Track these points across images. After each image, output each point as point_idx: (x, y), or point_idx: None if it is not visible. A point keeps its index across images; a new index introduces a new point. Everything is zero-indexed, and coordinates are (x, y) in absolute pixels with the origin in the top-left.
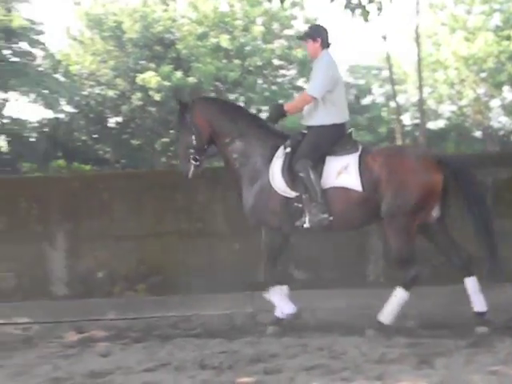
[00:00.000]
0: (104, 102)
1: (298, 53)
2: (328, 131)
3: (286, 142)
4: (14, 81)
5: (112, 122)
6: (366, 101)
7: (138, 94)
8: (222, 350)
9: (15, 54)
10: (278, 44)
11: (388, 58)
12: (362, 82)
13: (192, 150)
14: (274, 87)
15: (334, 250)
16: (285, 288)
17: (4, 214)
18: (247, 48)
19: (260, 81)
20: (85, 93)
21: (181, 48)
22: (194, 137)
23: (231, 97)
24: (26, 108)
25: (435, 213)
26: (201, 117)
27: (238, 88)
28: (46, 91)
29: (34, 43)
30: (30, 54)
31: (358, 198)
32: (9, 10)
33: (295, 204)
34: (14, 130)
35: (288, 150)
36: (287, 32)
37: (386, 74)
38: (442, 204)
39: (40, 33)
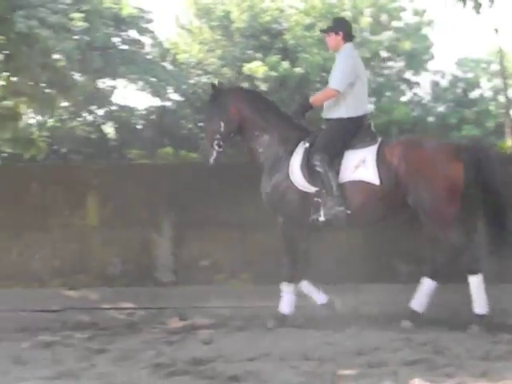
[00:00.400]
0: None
1: (406, 45)
2: (346, 124)
3: (307, 136)
4: (123, 68)
5: None
6: (473, 94)
7: (245, 84)
8: (325, 341)
9: (124, 41)
10: (385, 36)
11: (500, 52)
12: (470, 75)
13: (218, 136)
14: (380, 79)
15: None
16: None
17: (111, 200)
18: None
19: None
20: (192, 81)
21: (288, 38)
22: (222, 123)
23: None
24: (133, 95)
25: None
26: (235, 105)
27: None
28: (154, 79)
29: (143, 31)
30: (138, 42)
31: (375, 192)
32: None
33: (314, 199)
34: (122, 117)
35: (307, 145)
36: (395, 24)
37: (495, 67)
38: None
39: (149, 21)
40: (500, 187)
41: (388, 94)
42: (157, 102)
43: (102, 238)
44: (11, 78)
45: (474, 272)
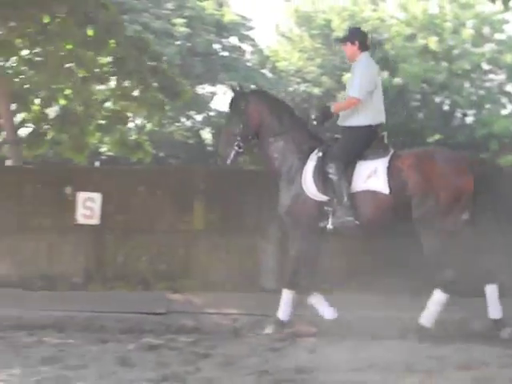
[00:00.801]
0: (309, 99)
1: (508, 57)
2: (362, 132)
3: (320, 145)
4: (223, 74)
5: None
6: None
7: (343, 93)
8: (431, 354)
9: (224, 48)
10: (487, 48)
11: None
12: None
13: (238, 138)
14: (481, 91)
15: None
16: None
17: (218, 205)
18: (455, 51)
19: (467, 84)
20: (290, 89)
21: (388, 48)
22: (242, 125)
23: (437, 99)
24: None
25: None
26: (254, 108)
27: (444, 91)
28: (254, 86)
29: (244, 38)
30: (239, 48)
31: (384, 201)
32: (220, 5)
33: (325, 208)
34: (220, 123)
35: (320, 154)
36: (498, 36)
37: None
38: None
39: (250, 28)
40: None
41: (488, 106)
42: None
43: (207, 242)
44: (120, 82)
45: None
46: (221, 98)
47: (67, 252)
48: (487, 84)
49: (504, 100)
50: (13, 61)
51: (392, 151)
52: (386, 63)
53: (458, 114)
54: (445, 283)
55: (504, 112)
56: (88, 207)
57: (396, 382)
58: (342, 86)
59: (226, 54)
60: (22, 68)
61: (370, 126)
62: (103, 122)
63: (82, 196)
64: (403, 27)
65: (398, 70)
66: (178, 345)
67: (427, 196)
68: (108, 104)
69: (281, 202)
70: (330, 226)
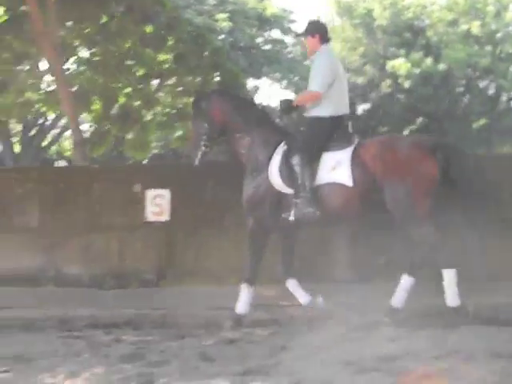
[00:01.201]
0: (353, 89)
1: None
2: (323, 123)
3: (286, 138)
4: (267, 68)
5: (360, 108)
6: None
7: (388, 81)
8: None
9: (267, 41)
10: None
11: None
12: None
13: (204, 137)
14: None
15: None
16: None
17: None
18: (498, 34)
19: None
20: None
21: (431, 35)
22: (206, 125)
23: (482, 84)
24: (277, 94)
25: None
26: (216, 108)
27: (489, 75)
28: (297, 78)
29: (286, 31)
30: (281, 41)
31: (348, 193)
32: None
33: (293, 200)
34: None
35: (286, 147)
36: None
37: None
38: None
39: (292, 21)
40: (471, 184)
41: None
42: None
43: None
44: (180, 79)
45: (449, 266)
46: (266, 91)
47: (138, 250)
48: None
49: None
50: (72, 61)
51: (356, 141)
52: (429, 49)
53: (504, 98)
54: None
55: None
56: (157, 204)
57: (483, 368)
58: (386, 74)
59: (268, 47)
60: (82, 68)
61: (331, 118)
62: (164, 118)
63: (150, 193)
64: (445, 13)
65: (442, 56)
66: (255, 338)
67: (394, 184)
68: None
69: (244, 193)
70: (291, 217)
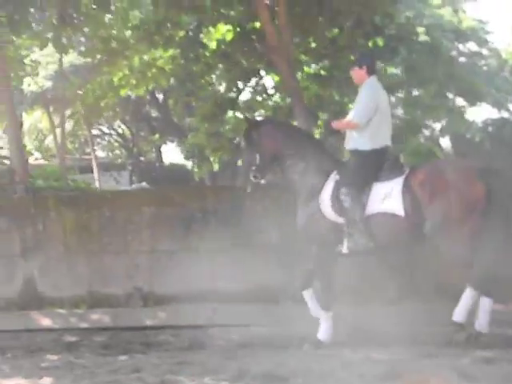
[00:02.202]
0: None
1: None
2: (367, 156)
3: (337, 168)
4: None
5: None
6: None
7: None
8: None
9: (460, 54)
10: None
11: None
12: None
13: (254, 168)
14: None
15: None
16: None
17: None
18: None
19: None
20: None
21: None
22: (258, 156)
23: None
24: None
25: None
26: (267, 138)
27: None
28: (493, 90)
29: (482, 43)
30: (478, 53)
31: (400, 223)
32: (456, 11)
33: (344, 229)
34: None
35: (337, 176)
36: None
37: None
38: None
39: (487, 32)
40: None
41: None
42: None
43: None
44: (409, 90)
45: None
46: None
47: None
48: None
49: None
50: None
51: (407, 171)
52: None
53: None
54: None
55: None
56: None
57: None
58: None
59: (463, 59)
60: (307, 83)
61: (372, 150)
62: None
63: None
64: None
65: None
66: None
67: (440, 210)
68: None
69: (298, 220)
70: (345, 250)
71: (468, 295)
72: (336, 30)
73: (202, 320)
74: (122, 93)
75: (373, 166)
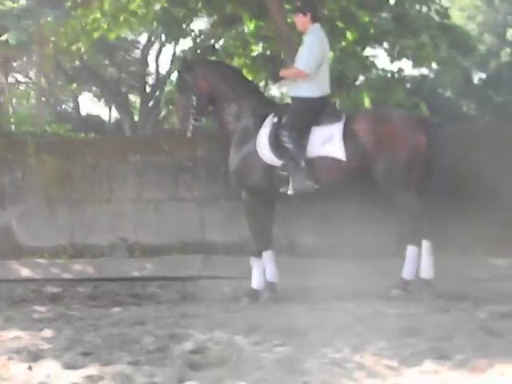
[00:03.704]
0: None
1: None
2: (311, 103)
3: (275, 111)
4: None
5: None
6: None
7: (508, 50)
8: None
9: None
10: None
11: None
12: None
13: (193, 110)
14: None
15: None
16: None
17: None
18: None
19: None
20: None
21: None
22: (194, 98)
23: None
24: None
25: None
26: (203, 78)
27: None
28: None
29: None
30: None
31: (342, 167)
32: None
33: (280, 172)
34: None
35: (275, 119)
36: None
37: None
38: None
39: None
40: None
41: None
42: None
43: None
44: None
45: (426, 237)
46: None
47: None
48: None
49: None
50: None
51: (345, 116)
52: None
53: None
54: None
55: None
56: None
57: None
58: (506, 43)
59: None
60: None
61: (316, 98)
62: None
63: None
64: None
65: None
66: None
67: (386, 156)
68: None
69: (230, 162)
70: (290, 191)
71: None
72: None
73: (191, 271)
74: (95, 37)
75: (315, 112)
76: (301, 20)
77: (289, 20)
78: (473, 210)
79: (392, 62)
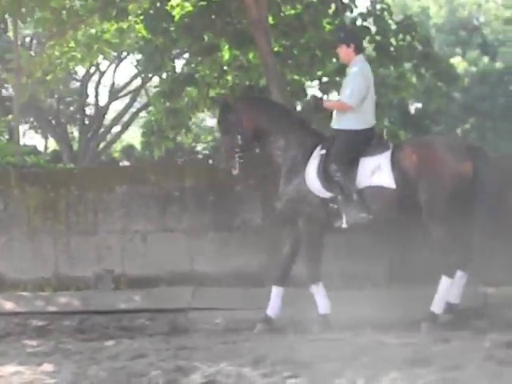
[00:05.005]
0: None
1: None
2: (357, 135)
3: (322, 142)
4: None
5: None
6: None
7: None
8: None
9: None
10: None
11: None
12: None
13: (237, 149)
14: None
15: None
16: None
17: None
18: None
19: None
20: None
21: (487, 33)
22: (239, 136)
23: None
24: None
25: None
26: (246, 116)
27: None
28: None
29: None
30: None
31: (392, 195)
32: None
33: (330, 205)
34: None
35: (323, 151)
36: None
37: None
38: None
39: None
40: (498, 189)
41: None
42: None
43: None
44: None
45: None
46: None
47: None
48: None
49: None
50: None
51: (392, 145)
52: (486, 48)
53: None
54: (450, 267)
55: None
56: None
57: None
58: None
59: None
60: None
61: (363, 130)
62: None
63: None
64: (501, 10)
65: (499, 54)
66: None
67: (430, 182)
68: None
69: (280, 195)
70: (345, 225)
71: (444, 285)
72: (299, 6)
73: (181, 303)
74: (70, 66)
75: (362, 144)
76: (344, 51)
77: (275, 49)
78: None
79: None
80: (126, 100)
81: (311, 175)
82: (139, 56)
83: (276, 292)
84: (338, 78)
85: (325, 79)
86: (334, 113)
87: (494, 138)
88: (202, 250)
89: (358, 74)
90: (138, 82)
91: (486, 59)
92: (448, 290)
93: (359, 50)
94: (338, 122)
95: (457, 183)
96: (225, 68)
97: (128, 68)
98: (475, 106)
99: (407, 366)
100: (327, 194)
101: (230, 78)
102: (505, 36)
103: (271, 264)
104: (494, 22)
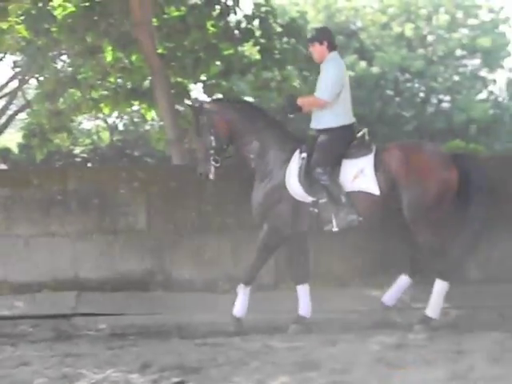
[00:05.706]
0: None
1: (485, 41)
2: (338, 133)
3: (302, 146)
4: None
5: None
6: None
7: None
8: None
9: None
10: (460, 34)
11: None
12: None
13: (212, 152)
14: (456, 77)
15: None
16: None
17: None
18: (430, 37)
19: (442, 70)
20: None
21: (364, 38)
22: (212, 138)
23: (414, 86)
24: None
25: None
26: (219, 118)
27: (421, 78)
28: None
29: None
30: None
31: (376, 201)
32: None
33: (310, 209)
34: None
35: (304, 155)
36: (471, 21)
37: None
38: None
39: None
40: (486, 196)
41: (464, 92)
42: None
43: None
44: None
45: (444, 278)
46: None
47: (252, 252)
48: (461, 69)
49: (479, 85)
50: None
51: (375, 147)
52: (363, 53)
53: (434, 101)
54: (444, 271)
55: (480, 97)
56: None
57: None
58: None
59: None
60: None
61: (343, 127)
62: None
63: None
64: (378, 16)
65: (375, 59)
66: None
67: (416, 188)
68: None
69: (253, 198)
70: (335, 228)
71: (439, 289)
72: (184, 8)
73: (64, 309)
74: None
75: (344, 143)
76: (318, 49)
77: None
78: None
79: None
80: (2, 102)
81: (292, 180)
82: (18, 57)
83: (303, 291)
84: (223, 82)
85: (209, 82)
86: (313, 113)
87: (370, 142)
88: (85, 254)
89: (331, 69)
90: (14, 83)
91: (363, 64)
92: (443, 293)
93: (332, 47)
94: (318, 123)
95: (441, 189)
96: (108, 69)
97: (4, 69)
98: (352, 110)
99: (296, 369)
100: (309, 199)
101: (112, 79)
102: (381, 41)
103: (155, 268)
104: (371, 27)
